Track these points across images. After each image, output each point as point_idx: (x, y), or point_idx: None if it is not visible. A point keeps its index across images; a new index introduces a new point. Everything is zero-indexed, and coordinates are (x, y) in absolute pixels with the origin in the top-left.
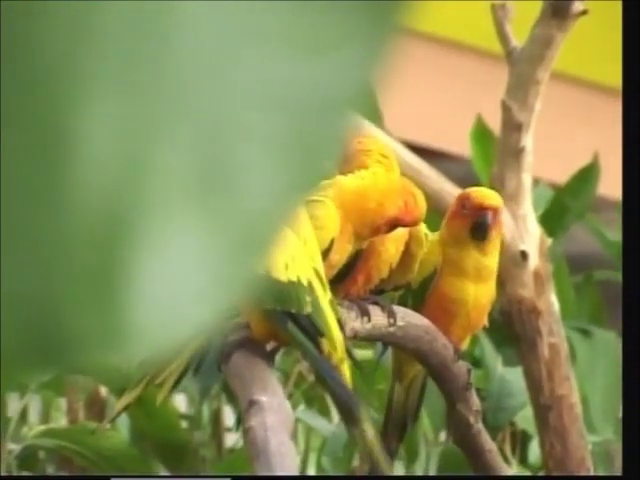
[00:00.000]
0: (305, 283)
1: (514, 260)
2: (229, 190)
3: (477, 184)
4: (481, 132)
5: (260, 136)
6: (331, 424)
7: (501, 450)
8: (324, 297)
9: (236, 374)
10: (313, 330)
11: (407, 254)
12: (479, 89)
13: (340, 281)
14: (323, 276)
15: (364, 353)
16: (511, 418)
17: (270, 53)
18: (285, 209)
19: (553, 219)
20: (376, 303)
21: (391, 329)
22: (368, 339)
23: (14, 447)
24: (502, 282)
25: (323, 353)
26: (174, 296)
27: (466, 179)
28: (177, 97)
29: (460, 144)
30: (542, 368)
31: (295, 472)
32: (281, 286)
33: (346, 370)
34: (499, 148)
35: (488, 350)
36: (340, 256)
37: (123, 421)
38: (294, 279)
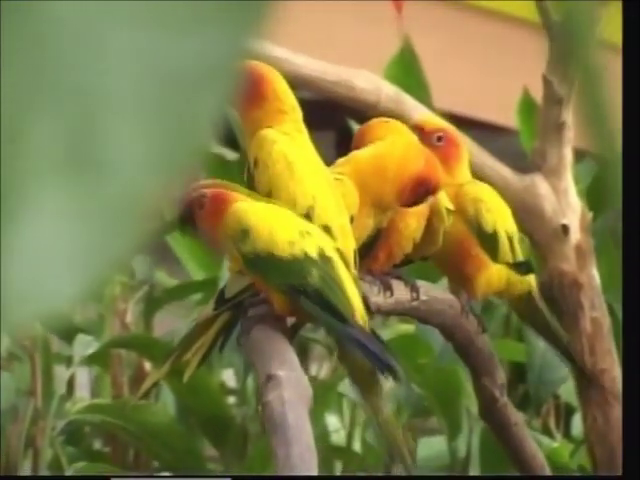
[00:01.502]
0: (315, 256)
1: (555, 234)
2: (100, 163)
3: (525, 158)
4: (527, 105)
5: (132, 109)
6: None
7: (545, 423)
8: (346, 270)
9: (255, 349)
10: (323, 303)
11: (429, 229)
12: (527, 61)
13: (362, 258)
14: (349, 248)
15: (406, 327)
16: (553, 392)
17: (143, 28)
18: (157, 181)
19: (599, 193)
20: (399, 278)
21: (414, 304)
22: (391, 314)
23: (57, 422)
24: (543, 256)
25: (345, 322)
26: (45, 270)
27: (518, 153)
28: (47, 72)
29: (509, 117)
30: (584, 342)
31: (312, 446)
32: (283, 262)
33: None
34: (540, 122)
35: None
36: (360, 233)
37: (169, 397)
38: (299, 254)
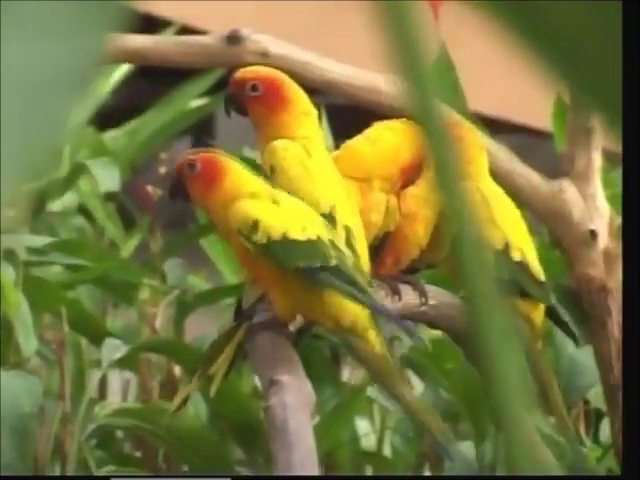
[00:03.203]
0: (326, 241)
1: (583, 239)
2: None
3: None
4: (562, 109)
5: None
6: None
7: (575, 429)
8: (350, 255)
9: (259, 354)
10: (343, 277)
11: (436, 235)
12: None
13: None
14: (363, 251)
15: (433, 332)
16: (581, 398)
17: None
18: (12, 187)
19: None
20: (407, 282)
21: (423, 308)
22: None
23: (86, 426)
24: (571, 261)
25: (365, 292)
26: None
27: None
28: None
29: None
30: (612, 347)
31: (313, 452)
32: (300, 244)
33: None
34: (569, 127)
35: (558, 330)
36: (368, 231)
37: (199, 401)
38: (313, 237)
